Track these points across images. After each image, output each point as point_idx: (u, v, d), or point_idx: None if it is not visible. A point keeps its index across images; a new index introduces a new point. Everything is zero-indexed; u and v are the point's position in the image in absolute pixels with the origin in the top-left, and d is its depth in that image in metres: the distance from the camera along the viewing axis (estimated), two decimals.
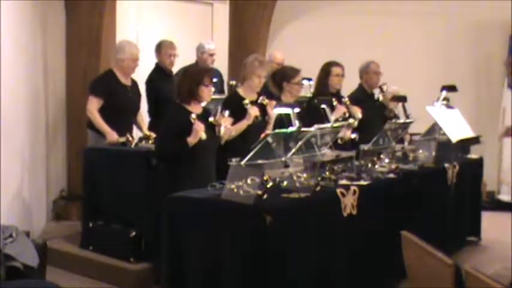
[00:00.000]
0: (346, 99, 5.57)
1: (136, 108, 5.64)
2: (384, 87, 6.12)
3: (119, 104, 5.37)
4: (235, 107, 4.72)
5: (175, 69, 6.10)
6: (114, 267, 4.88)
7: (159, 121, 4.98)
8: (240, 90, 4.88)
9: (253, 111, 4.65)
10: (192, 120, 4.20)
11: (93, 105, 5.31)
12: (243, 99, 4.80)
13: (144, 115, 5.87)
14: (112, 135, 5.25)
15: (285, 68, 5.54)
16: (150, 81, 5.92)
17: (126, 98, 5.45)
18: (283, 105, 4.80)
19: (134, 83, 5.63)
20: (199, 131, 4.20)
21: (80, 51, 6.36)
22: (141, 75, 6.02)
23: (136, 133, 5.65)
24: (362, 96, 5.94)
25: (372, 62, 6.04)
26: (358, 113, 5.54)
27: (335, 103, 5.44)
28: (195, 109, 4.36)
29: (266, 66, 4.87)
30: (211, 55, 6.37)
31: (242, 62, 4.98)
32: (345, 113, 5.44)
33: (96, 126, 5.32)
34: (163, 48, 5.95)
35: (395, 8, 7.79)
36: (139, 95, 5.71)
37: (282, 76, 5.24)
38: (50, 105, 6.31)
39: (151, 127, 5.56)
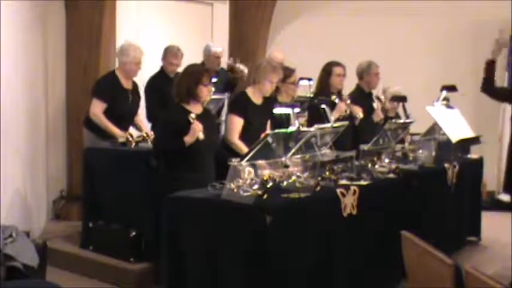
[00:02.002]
0: (347, 98, 5.57)
1: (135, 111, 5.65)
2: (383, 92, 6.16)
3: (119, 110, 5.38)
4: (243, 106, 4.74)
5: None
6: (114, 267, 4.88)
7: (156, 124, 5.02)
8: (249, 92, 4.87)
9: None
10: (191, 120, 4.19)
11: (98, 109, 5.32)
12: (251, 100, 4.80)
13: (143, 117, 5.87)
14: (123, 137, 5.27)
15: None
16: (151, 84, 5.91)
17: (126, 104, 5.47)
18: (283, 105, 4.81)
19: (135, 85, 5.64)
20: (197, 131, 4.20)
21: (80, 51, 6.36)
22: (140, 75, 6.01)
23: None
24: (361, 97, 5.93)
25: (373, 64, 6.02)
26: (359, 112, 5.54)
27: (336, 100, 5.45)
28: (194, 109, 4.36)
29: (279, 72, 4.84)
30: (218, 58, 6.37)
31: (248, 62, 4.99)
32: (345, 111, 5.45)
33: (104, 129, 5.32)
34: (167, 55, 5.94)
35: (396, 8, 7.79)
36: (139, 98, 5.72)
37: None
38: (50, 105, 6.31)
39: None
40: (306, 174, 3.99)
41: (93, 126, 5.37)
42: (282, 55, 6.68)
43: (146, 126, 5.75)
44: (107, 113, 5.33)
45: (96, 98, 5.36)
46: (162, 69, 6.02)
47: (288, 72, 5.24)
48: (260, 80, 4.78)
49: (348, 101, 5.54)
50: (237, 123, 4.69)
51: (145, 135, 5.29)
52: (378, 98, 6.15)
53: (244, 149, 4.50)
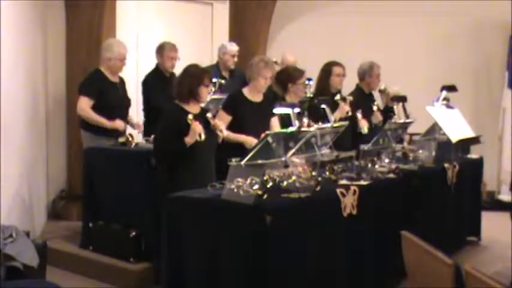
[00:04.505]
0: (350, 99, 5.58)
1: (127, 104, 5.66)
2: (383, 87, 6.13)
3: (111, 102, 5.39)
4: (234, 105, 4.75)
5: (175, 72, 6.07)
6: (114, 267, 4.88)
7: (150, 124, 5.00)
8: (245, 91, 4.90)
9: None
10: (189, 121, 4.19)
11: (86, 104, 5.32)
12: (247, 99, 4.81)
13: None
14: (116, 124, 5.29)
15: (290, 68, 5.55)
16: (146, 82, 5.90)
17: (116, 96, 5.48)
18: (283, 105, 4.81)
19: (121, 80, 5.65)
20: (197, 132, 4.19)
21: (80, 51, 6.37)
22: (140, 75, 6.02)
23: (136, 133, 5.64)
24: (360, 97, 5.93)
25: (375, 65, 6.00)
26: (365, 126, 5.51)
27: (339, 102, 5.45)
28: (194, 109, 4.36)
29: (271, 67, 4.89)
30: (233, 56, 6.37)
31: (248, 62, 5.00)
32: (347, 112, 5.45)
33: (94, 123, 5.33)
34: (165, 51, 5.82)
35: (396, 8, 7.79)
36: (126, 92, 5.72)
37: (287, 77, 5.29)
38: (50, 105, 6.32)
39: (146, 131, 5.54)
40: (306, 175, 3.99)
41: (89, 125, 5.38)
42: (294, 58, 6.67)
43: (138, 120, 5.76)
44: (100, 109, 5.33)
45: (82, 95, 5.36)
46: (157, 67, 5.96)
47: (297, 73, 5.31)
48: (254, 77, 4.82)
49: (349, 100, 5.54)
50: (224, 119, 4.71)
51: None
52: (381, 91, 6.13)
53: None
